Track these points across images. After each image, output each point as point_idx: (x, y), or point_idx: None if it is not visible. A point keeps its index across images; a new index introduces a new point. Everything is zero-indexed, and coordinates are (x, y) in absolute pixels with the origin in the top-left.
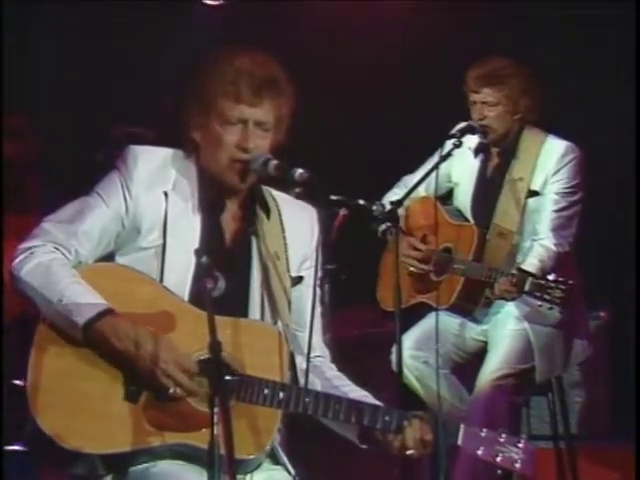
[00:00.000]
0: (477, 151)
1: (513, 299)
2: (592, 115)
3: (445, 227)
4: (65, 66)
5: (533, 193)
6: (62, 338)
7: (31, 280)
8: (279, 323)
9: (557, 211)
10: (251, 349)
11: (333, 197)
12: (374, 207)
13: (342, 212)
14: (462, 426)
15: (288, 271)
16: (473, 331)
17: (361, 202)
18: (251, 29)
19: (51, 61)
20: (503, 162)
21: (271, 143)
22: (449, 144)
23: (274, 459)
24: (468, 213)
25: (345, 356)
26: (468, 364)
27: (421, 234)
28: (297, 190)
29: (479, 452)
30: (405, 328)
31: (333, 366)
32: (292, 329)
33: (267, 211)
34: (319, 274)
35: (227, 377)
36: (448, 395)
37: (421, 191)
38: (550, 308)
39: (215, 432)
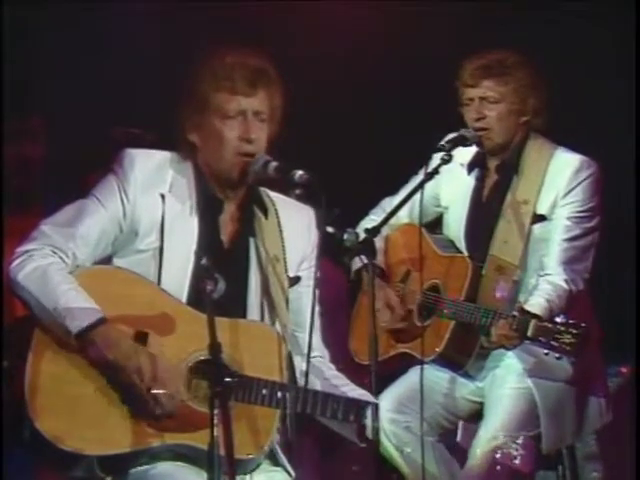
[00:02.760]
0: (471, 166)
1: (514, 347)
2: (591, 119)
3: (432, 260)
4: (67, 65)
5: (539, 218)
6: (60, 341)
7: (27, 284)
8: (277, 323)
9: (569, 240)
10: (250, 350)
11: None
12: (346, 236)
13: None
14: (461, 423)
15: (286, 271)
16: (466, 389)
17: (330, 229)
18: (250, 28)
19: (52, 60)
20: (503, 179)
21: (268, 136)
22: (436, 159)
23: (273, 460)
24: (460, 243)
25: (309, 418)
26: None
27: (403, 270)
28: (297, 192)
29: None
30: (383, 385)
31: (332, 366)
32: (290, 329)
33: (265, 211)
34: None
35: (226, 378)
36: (435, 469)
37: (403, 217)
38: (559, 357)
39: (215, 433)
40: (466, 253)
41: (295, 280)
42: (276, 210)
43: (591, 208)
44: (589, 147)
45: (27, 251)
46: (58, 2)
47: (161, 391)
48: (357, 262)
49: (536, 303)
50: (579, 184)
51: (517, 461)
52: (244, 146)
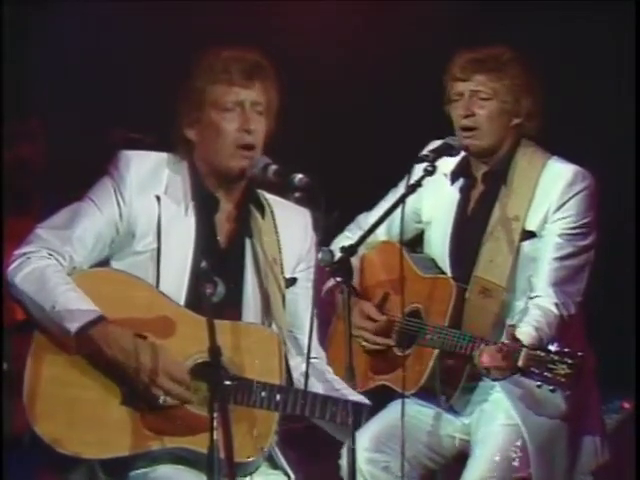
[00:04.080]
0: (455, 175)
1: (503, 379)
2: (588, 126)
3: (413, 282)
4: (68, 67)
5: (529, 234)
6: (58, 345)
7: (25, 287)
8: (274, 325)
9: (560, 259)
10: (249, 352)
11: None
12: (320, 255)
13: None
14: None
15: (282, 273)
16: (451, 426)
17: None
18: (246, 27)
19: (52, 62)
20: (490, 190)
21: (266, 130)
22: (419, 170)
23: (272, 463)
24: (444, 263)
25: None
26: (445, 471)
27: (381, 293)
28: (296, 195)
29: None
30: (360, 421)
31: (329, 369)
32: (287, 331)
33: (261, 211)
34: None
35: (226, 381)
36: None
37: (381, 234)
38: (553, 390)
39: (214, 436)
40: (450, 274)
41: (291, 281)
42: (272, 211)
43: (585, 224)
44: (585, 157)
45: (24, 254)
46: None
47: (166, 378)
48: (330, 283)
49: (524, 332)
50: (572, 197)
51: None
52: (244, 137)
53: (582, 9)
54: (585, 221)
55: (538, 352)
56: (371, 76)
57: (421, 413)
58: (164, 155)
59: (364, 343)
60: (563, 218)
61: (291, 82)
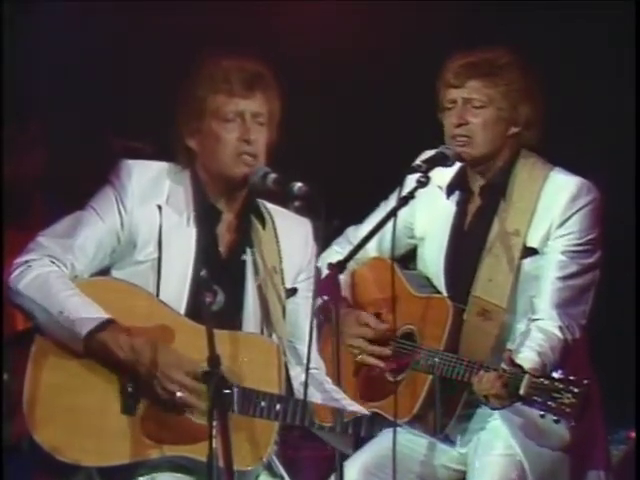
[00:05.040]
0: (451, 188)
1: (503, 408)
2: (592, 135)
3: (406, 302)
4: (67, 76)
5: (530, 251)
6: (59, 352)
7: (30, 292)
8: (274, 335)
9: (564, 278)
10: (248, 362)
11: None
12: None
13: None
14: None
15: (283, 283)
16: (446, 456)
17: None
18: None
19: (51, 69)
20: (488, 204)
21: (267, 141)
22: (411, 181)
23: (271, 471)
24: (439, 281)
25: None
26: None
27: (372, 312)
28: (296, 204)
29: None
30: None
31: (329, 379)
32: (287, 341)
33: (262, 222)
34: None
35: (225, 390)
36: None
37: (371, 249)
38: (557, 421)
39: (213, 445)
40: (445, 293)
41: (292, 292)
42: (273, 222)
43: (590, 241)
44: (590, 168)
45: (26, 261)
46: (54, 12)
47: (181, 372)
48: (316, 302)
49: (526, 357)
50: (576, 212)
51: None
52: (244, 147)
53: (582, 9)
54: (590, 237)
55: (541, 379)
56: (371, 80)
57: (414, 442)
58: (165, 164)
59: (358, 355)
60: (567, 234)
61: (291, 86)
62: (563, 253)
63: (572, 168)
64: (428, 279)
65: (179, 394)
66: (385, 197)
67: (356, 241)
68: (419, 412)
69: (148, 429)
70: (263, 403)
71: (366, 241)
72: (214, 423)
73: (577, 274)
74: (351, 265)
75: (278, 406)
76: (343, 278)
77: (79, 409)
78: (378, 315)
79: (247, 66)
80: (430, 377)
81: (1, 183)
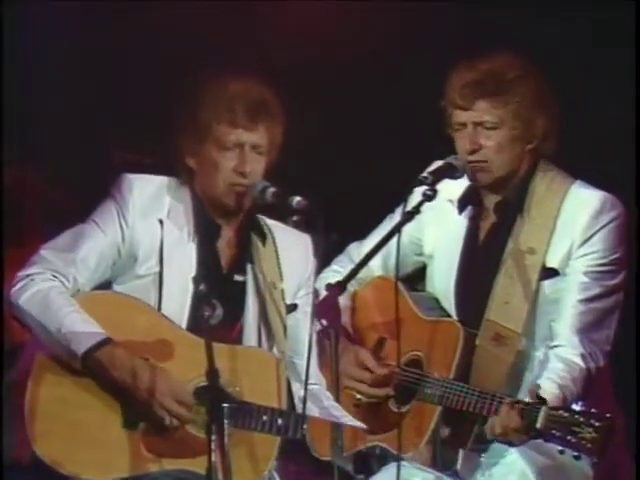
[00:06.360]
0: (463, 203)
1: (521, 443)
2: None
3: (413, 326)
4: (66, 82)
5: (550, 272)
6: (60, 366)
7: (30, 308)
8: (275, 350)
9: (587, 301)
10: (249, 376)
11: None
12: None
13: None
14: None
15: (283, 299)
16: None
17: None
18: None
19: (50, 74)
20: (504, 221)
21: (265, 168)
22: (418, 194)
23: None
24: (449, 303)
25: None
26: None
27: (375, 337)
28: (295, 218)
29: None
30: None
31: (329, 395)
32: (288, 356)
33: (262, 238)
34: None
35: (225, 404)
36: None
37: (375, 268)
38: (577, 457)
39: (213, 459)
40: (456, 316)
41: (292, 307)
42: (273, 238)
43: (615, 260)
44: (614, 181)
45: (28, 275)
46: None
47: (172, 400)
48: (315, 324)
49: (545, 391)
50: (600, 230)
51: None
52: (237, 178)
53: (582, 9)
54: (615, 257)
55: (560, 412)
56: (373, 84)
57: (420, 478)
58: (166, 179)
59: (358, 397)
60: (590, 253)
61: (289, 93)
62: (586, 274)
63: (594, 181)
64: (437, 301)
65: (167, 421)
66: (391, 210)
67: (358, 259)
68: (426, 446)
69: (148, 443)
70: (264, 417)
71: (368, 259)
72: (213, 437)
73: (601, 296)
74: (353, 286)
75: (279, 420)
76: (342, 301)
77: (80, 423)
78: (381, 341)
79: (252, 93)
80: (438, 408)
81: (1, 197)
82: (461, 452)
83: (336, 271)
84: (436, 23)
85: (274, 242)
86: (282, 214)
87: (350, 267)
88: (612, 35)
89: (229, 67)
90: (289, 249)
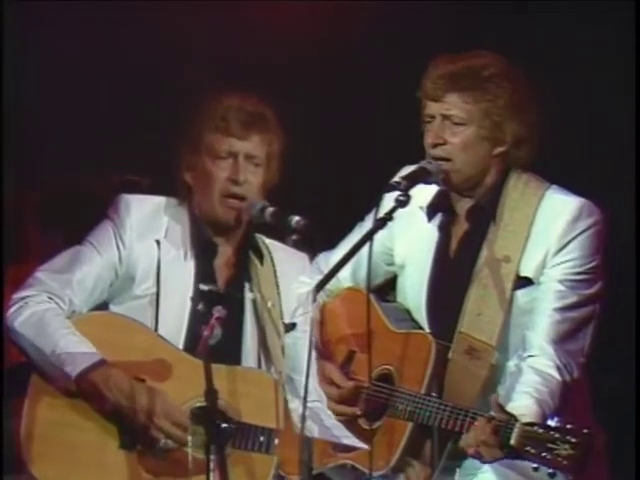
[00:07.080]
0: (433, 209)
1: (493, 460)
2: (592, 149)
3: (383, 338)
4: (67, 111)
5: (524, 281)
6: (57, 388)
7: (25, 331)
8: (272, 370)
9: (562, 310)
10: (247, 396)
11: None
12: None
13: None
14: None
15: (281, 318)
16: None
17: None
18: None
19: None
20: (476, 229)
21: (263, 182)
22: (389, 201)
23: None
24: (420, 314)
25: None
26: None
27: (345, 350)
28: (294, 237)
29: None
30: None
31: (331, 414)
32: (286, 375)
33: (260, 257)
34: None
35: (223, 425)
36: None
37: (345, 279)
38: (552, 474)
39: (211, 479)
40: (427, 328)
41: (291, 326)
42: (271, 257)
43: (591, 269)
44: (589, 186)
45: (23, 298)
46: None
47: (167, 422)
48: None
49: (522, 406)
50: (576, 237)
51: None
52: (231, 187)
53: (581, 9)
54: (591, 265)
55: (535, 428)
56: (371, 92)
57: None
58: (163, 199)
59: None
60: (566, 262)
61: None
62: (561, 282)
63: (571, 186)
64: (408, 312)
65: (162, 443)
66: (361, 218)
67: (327, 269)
68: (397, 464)
69: (146, 463)
70: (262, 438)
71: (338, 269)
72: (211, 457)
73: (577, 305)
74: (321, 297)
75: (277, 441)
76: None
77: (77, 444)
78: (350, 355)
79: (248, 106)
80: (410, 424)
81: (1, 218)
82: (433, 470)
83: (304, 282)
84: (436, 25)
85: (272, 261)
86: (281, 234)
87: (319, 278)
88: (612, 35)
89: (226, 77)
90: (287, 268)
